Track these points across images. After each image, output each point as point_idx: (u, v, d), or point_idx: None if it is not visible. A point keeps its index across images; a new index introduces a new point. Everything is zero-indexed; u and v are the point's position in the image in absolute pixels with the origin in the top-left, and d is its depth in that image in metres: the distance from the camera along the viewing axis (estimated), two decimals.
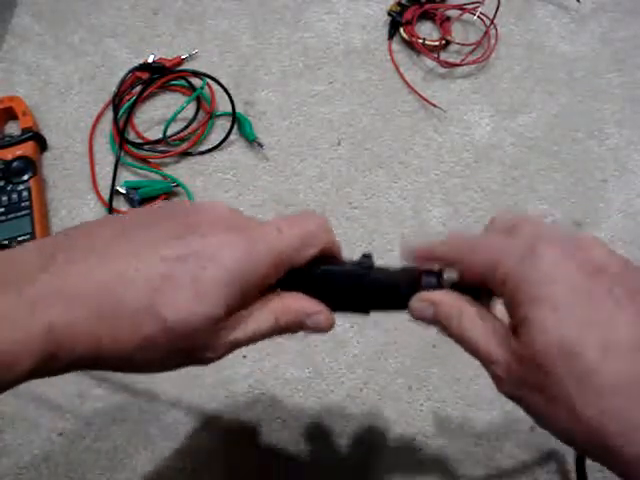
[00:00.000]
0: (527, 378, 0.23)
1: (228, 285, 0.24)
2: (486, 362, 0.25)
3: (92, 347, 0.23)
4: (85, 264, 0.24)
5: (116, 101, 0.60)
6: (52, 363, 0.23)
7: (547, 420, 0.23)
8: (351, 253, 0.54)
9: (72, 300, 0.23)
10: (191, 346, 0.25)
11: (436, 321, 0.27)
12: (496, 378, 0.25)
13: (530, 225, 0.25)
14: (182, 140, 0.60)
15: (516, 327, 0.24)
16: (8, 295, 0.22)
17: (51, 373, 0.24)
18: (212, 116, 0.60)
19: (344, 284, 0.29)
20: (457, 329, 0.26)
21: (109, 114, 0.61)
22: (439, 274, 0.28)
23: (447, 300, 0.27)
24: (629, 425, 0.21)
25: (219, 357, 0.26)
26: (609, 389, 0.21)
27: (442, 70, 0.63)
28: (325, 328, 0.28)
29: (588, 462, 0.42)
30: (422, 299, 0.27)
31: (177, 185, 0.57)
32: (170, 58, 0.63)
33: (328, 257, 0.30)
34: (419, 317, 0.28)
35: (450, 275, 0.28)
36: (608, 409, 0.21)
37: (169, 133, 0.59)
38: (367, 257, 0.30)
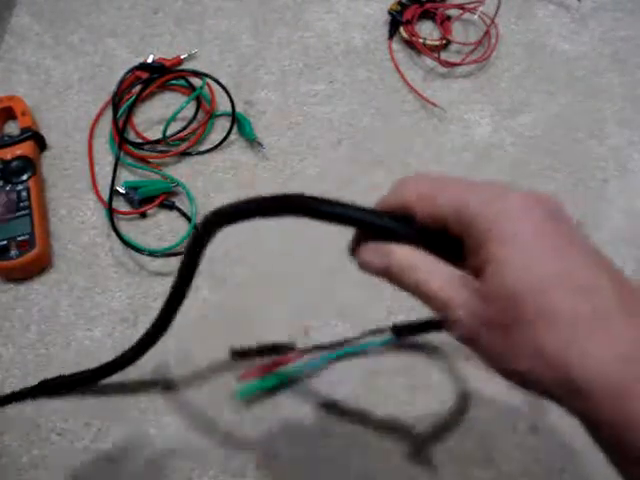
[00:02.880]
0: (490, 316, 0.24)
1: None
2: (443, 307, 0.25)
3: None
4: None
5: (116, 101, 0.60)
6: None
7: (506, 358, 0.24)
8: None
9: None
10: None
11: (388, 271, 0.27)
12: (453, 322, 0.25)
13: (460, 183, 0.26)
14: (182, 140, 0.60)
15: (481, 267, 0.24)
16: None
17: None
18: (212, 116, 0.60)
19: None
20: (412, 278, 0.26)
21: (109, 114, 0.61)
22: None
23: (401, 250, 0.27)
24: (590, 356, 0.22)
25: None
26: (571, 322, 0.22)
27: (442, 70, 0.63)
28: None
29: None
30: (376, 249, 0.28)
31: (177, 185, 0.57)
32: (170, 58, 0.63)
33: None
34: (369, 268, 0.28)
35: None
36: (571, 341, 0.22)
37: (169, 133, 0.59)
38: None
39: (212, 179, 0.58)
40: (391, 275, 0.27)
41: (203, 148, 0.59)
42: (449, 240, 0.26)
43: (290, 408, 0.48)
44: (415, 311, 0.52)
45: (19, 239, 0.53)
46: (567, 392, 0.23)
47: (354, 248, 0.30)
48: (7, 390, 0.49)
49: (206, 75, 0.60)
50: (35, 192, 0.55)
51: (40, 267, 0.54)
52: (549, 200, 0.25)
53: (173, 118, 0.58)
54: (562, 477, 0.46)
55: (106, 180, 0.57)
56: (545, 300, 0.23)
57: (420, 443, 0.47)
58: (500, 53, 0.64)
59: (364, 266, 0.28)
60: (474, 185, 0.26)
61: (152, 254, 0.54)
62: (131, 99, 0.60)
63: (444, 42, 0.64)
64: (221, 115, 0.61)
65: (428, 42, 0.63)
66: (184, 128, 0.59)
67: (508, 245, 0.23)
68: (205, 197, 0.57)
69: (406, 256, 0.27)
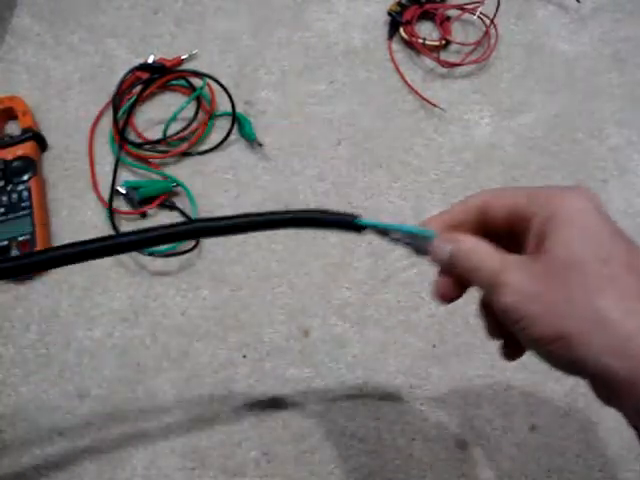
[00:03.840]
0: (549, 281, 0.26)
1: None
2: (497, 277, 0.28)
3: None
4: None
5: (116, 101, 0.60)
6: None
7: (560, 319, 0.25)
8: (352, 254, 0.55)
9: None
10: None
11: (454, 255, 0.30)
12: (508, 288, 0.27)
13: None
14: (182, 140, 0.60)
15: (544, 240, 0.27)
16: None
17: None
18: (212, 116, 0.60)
19: None
20: (474, 259, 0.29)
21: (109, 114, 0.61)
22: None
23: (467, 237, 0.30)
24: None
25: None
26: (635, 296, 0.25)
27: (442, 70, 0.63)
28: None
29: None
30: (446, 237, 0.31)
31: (177, 185, 0.57)
32: (170, 58, 0.63)
33: None
34: (438, 255, 0.31)
35: None
36: (633, 312, 0.24)
37: (169, 133, 0.59)
38: None
39: (212, 179, 0.58)
40: (456, 259, 0.30)
41: (203, 148, 0.60)
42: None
43: (286, 408, 0.49)
44: (416, 310, 0.52)
45: (20, 239, 0.53)
46: (619, 357, 0.24)
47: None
48: (8, 390, 0.49)
49: (206, 75, 0.60)
50: (36, 192, 0.55)
51: None
52: (597, 196, 0.29)
53: (173, 118, 0.59)
54: (561, 476, 0.46)
55: (106, 180, 0.57)
56: (609, 270, 0.25)
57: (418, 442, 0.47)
58: (500, 53, 0.64)
59: (435, 253, 0.31)
60: (534, 187, 0.30)
61: (152, 254, 0.54)
62: (131, 99, 0.60)
63: (444, 42, 0.64)
64: (221, 115, 0.61)
65: (428, 42, 0.63)
66: (184, 128, 0.59)
67: (575, 219, 0.27)
68: (205, 197, 0.57)
69: (470, 241, 0.30)
